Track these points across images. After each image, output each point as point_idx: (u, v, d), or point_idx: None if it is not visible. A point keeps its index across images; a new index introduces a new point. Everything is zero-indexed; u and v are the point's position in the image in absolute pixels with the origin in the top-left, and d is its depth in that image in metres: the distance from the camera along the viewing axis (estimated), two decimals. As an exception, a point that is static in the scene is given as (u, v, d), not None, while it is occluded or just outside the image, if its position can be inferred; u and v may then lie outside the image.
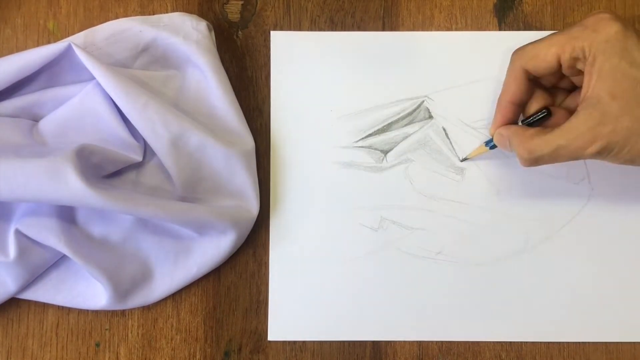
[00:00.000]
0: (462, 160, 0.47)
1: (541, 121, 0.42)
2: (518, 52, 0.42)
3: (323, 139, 0.48)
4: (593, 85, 0.38)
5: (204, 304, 0.47)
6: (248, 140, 0.46)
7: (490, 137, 0.45)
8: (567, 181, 0.47)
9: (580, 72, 0.40)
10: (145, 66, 0.47)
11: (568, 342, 0.46)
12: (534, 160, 0.40)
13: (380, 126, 0.48)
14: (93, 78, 0.44)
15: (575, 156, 0.39)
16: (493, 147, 0.45)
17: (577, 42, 0.39)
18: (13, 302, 0.46)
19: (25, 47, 0.48)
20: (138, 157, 0.45)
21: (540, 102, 0.43)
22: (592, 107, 0.38)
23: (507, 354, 0.46)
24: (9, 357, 0.46)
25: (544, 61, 0.40)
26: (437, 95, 0.48)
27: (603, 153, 0.39)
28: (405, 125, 0.48)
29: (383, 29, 0.49)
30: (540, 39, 0.41)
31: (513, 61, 0.42)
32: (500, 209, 0.47)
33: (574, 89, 0.43)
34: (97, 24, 0.47)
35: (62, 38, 0.48)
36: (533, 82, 0.43)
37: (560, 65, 0.40)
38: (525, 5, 0.49)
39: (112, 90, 0.43)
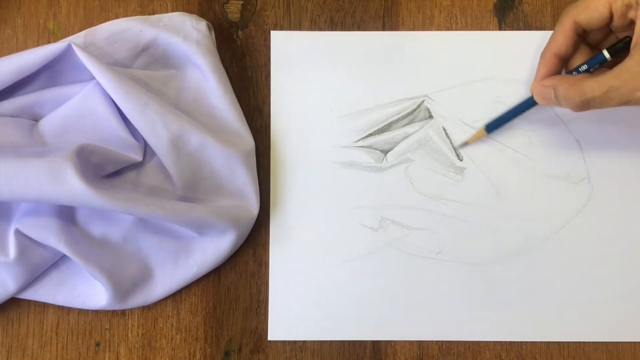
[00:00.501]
0: (460, 146, 0.47)
1: (617, 52, 0.42)
2: (570, 6, 0.43)
3: (323, 139, 0.48)
4: None
5: (204, 304, 0.47)
6: (248, 140, 0.46)
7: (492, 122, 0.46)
8: (567, 181, 0.47)
9: (630, 26, 0.40)
10: (145, 66, 0.47)
11: (568, 342, 0.46)
12: (586, 103, 0.40)
13: (380, 126, 0.48)
14: (93, 78, 0.44)
15: (627, 98, 0.39)
16: (491, 130, 0.46)
17: None
18: (13, 302, 0.46)
19: (25, 47, 0.48)
20: (138, 157, 0.45)
21: (585, 57, 0.44)
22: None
23: (507, 354, 0.46)
24: (9, 357, 0.46)
25: (595, 11, 0.41)
26: (437, 95, 0.48)
27: None
28: (405, 125, 0.48)
29: (383, 29, 0.49)
30: None
31: (564, 14, 0.43)
32: (500, 209, 0.47)
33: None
34: (97, 24, 0.47)
35: (62, 38, 0.48)
36: (580, 36, 0.43)
37: (611, 17, 0.41)
38: (525, 5, 0.49)
39: (112, 90, 0.43)
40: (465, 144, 0.47)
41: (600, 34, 0.43)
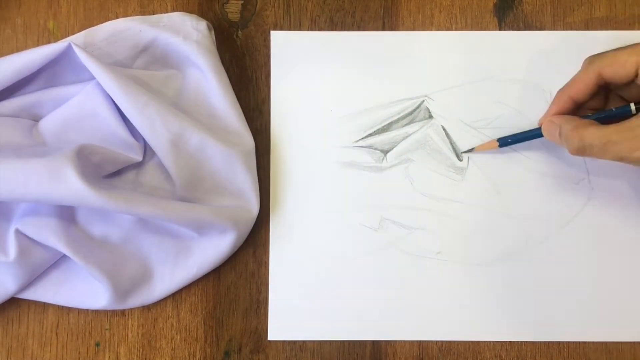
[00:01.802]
0: (464, 152, 0.47)
1: (618, 117, 0.42)
2: (595, 56, 0.43)
3: (323, 139, 0.48)
4: None
5: (204, 304, 0.47)
6: (248, 140, 0.46)
7: (505, 135, 0.46)
8: (567, 181, 0.47)
9: None
10: (145, 66, 0.47)
11: (568, 342, 0.46)
12: (582, 149, 0.41)
13: (380, 126, 0.48)
14: (93, 78, 0.44)
15: (622, 155, 0.39)
16: (503, 145, 0.45)
17: None
18: (13, 302, 0.46)
19: (25, 47, 0.48)
20: (138, 157, 0.45)
21: (599, 102, 0.44)
22: None
23: (507, 354, 0.46)
24: (9, 357, 0.46)
25: (622, 68, 0.41)
26: (437, 95, 0.48)
27: None
28: (406, 125, 0.48)
29: (383, 29, 0.49)
30: (620, 47, 0.42)
31: (589, 63, 0.43)
32: (500, 209, 0.47)
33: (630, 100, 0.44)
34: (97, 24, 0.47)
35: (62, 38, 0.48)
36: (600, 87, 0.43)
37: (637, 75, 0.41)
38: (525, 5, 0.49)
39: (112, 90, 0.43)
40: (471, 150, 0.47)
41: (621, 86, 0.43)
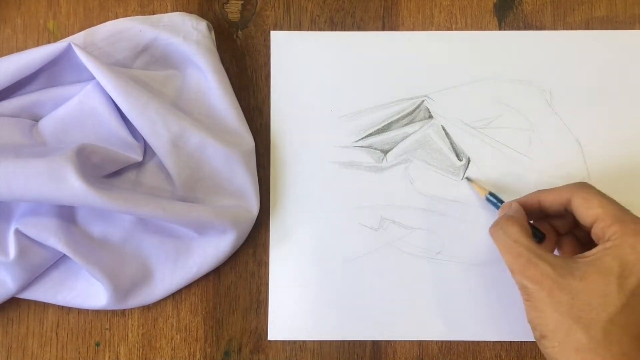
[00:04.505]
0: (466, 178, 0.47)
1: (536, 237, 0.42)
2: (584, 184, 0.41)
3: (323, 139, 0.48)
4: (585, 258, 0.38)
5: (204, 304, 0.47)
6: (248, 140, 0.46)
7: (492, 196, 0.45)
8: (567, 181, 0.47)
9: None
10: (145, 66, 0.47)
11: (568, 342, 0.46)
12: (494, 234, 0.41)
13: (380, 126, 0.48)
14: (93, 78, 0.44)
15: (510, 269, 0.39)
16: (490, 201, 0.45)
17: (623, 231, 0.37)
18: (13, 302, 0.46)
19: (25, 47, 0.49)
20: (138, 157, 0.45)
21: (562, 226, 0.43)
22: (564, 262, 0.38)
23: (507, 354, 0.46)
24: (9, 357, 0.46)
25: (585, 209, 0.39)
26: (437, 95, 0.48)
27: (526, 291, 0.38)
28: (405, 125, 0.48)
29: (383, 29, 0.49)
30: (607, 197, 0.40)
31: (572, 184, 0.41)
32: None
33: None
34: (97, 24, 0.47)
35: (62, 38, 0.48)
36: (569, 212, 0.41)
37: (592, 226, 0.39)
38: (525, 5, 0.49)
39: (112, 90, 0.43)
40: (468, 179, 0.47)
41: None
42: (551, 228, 0.44)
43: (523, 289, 0.38)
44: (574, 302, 0.36)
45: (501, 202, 0.45)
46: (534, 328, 0.38)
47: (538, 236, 0.43)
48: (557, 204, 0.41)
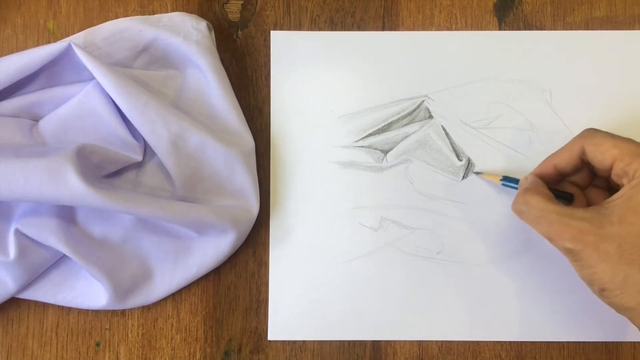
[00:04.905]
0: (474, 172, 0.47)
1: (561, 200, 0.42)
2: (591, 130, 0.41)
3: (323, 139, 0.48)
4: (615, 201, 0.38)
5: (204, 304, 0.47)
6: (248, 140, 0.46)
7: (507, 177, 0.45)
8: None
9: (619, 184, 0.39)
10: (145, 66, 0.47)
11: (568, 342, 0.46)
12: (520, 211, 0.41)
13: (380, 126, 0.48)
14: (93, 78, 0.44)
15: (549, 236, 0.39)
16: (505, 184, 0.45)
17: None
18: (13, 302, 0.46)
19: (25, 47, 0.49)
20: (138, 157, 0.45)
21: (585, 178, 0.43)
22: (597, 213, 0.38)
23: (507, 354, 0.46)
24: (9, 357, 0.46)
25: (600, 154, 0.39)
26: (437, 95, 0.48)
27: (571, 253, 0.38)
28: (405, 125, 0.48)
29: (383, 29, 0.49)
30: (618, 136, 0.40)
31: (579, 135, 0.41)
32: (500, 209, 0.47)
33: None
34: (97, 24, 0.47)
35: (62, 38, 0.48)
36: (584, 162, 0.41)
37: (610, 170, 0.39)
38: (525, 5, 0.49)
39: (112, 90, 0.43)
40: (479, 173, 0.47)
41: (600, 171, 0.42)
42: (573, 186, 0.43)
43: (567, 252, 0.38)
44: (622, 247, 0.36)
45: (517, 182, 0.45)
46: (590, 284, 0.38)
47: (567, 198, 0.42)
48: (573, 160, 0.41)
